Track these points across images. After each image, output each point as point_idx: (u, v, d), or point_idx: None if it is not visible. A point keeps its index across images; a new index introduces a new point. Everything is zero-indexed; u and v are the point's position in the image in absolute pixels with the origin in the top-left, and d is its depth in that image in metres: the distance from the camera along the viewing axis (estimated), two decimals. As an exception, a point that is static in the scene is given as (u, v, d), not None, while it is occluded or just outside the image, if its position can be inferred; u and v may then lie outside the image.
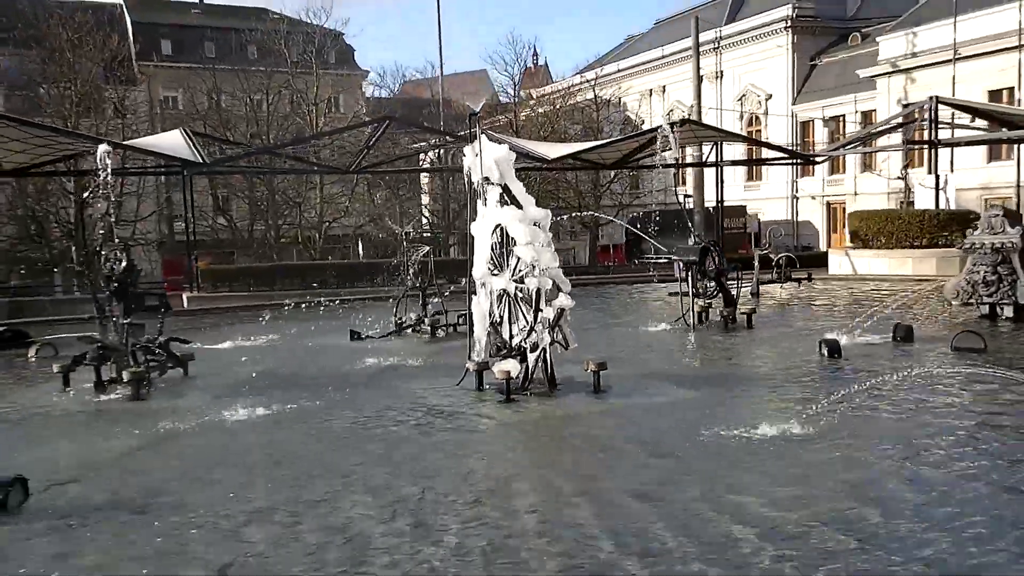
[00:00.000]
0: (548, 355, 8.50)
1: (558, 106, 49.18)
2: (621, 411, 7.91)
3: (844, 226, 47.39)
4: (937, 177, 22.02)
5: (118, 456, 7.02)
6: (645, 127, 45.92)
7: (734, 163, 30.84)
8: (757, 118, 51.66)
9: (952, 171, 27.94)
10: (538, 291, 8.27)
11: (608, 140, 25.97)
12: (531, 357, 8.54)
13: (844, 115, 46.33)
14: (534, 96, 53.82)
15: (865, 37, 46.66)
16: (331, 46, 50.26)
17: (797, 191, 49.68)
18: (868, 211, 25.68)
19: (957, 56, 38.15)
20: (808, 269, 21.38)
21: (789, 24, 48.57)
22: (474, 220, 9.05)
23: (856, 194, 45.96)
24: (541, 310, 8.27)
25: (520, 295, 8.54)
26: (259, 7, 63.11)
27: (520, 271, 8.52)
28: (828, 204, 48.42)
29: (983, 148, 36.82)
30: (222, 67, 48.99)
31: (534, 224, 8.53)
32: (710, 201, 33.19)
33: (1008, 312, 11.01)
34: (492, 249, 8.80)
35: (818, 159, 32.90)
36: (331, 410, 8.32)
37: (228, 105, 45.23)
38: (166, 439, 7.49)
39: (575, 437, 7.22)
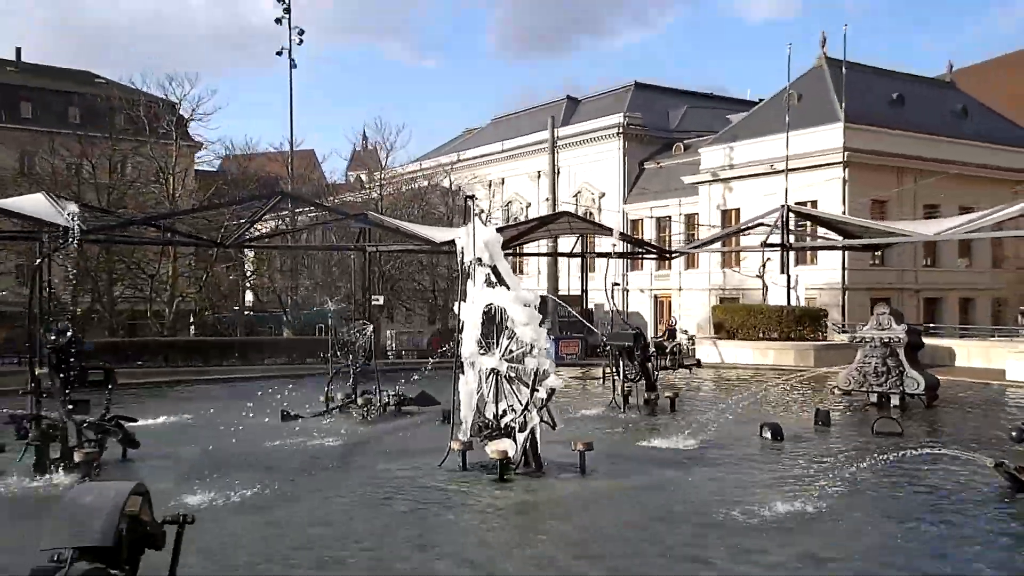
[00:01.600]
0: (537, 435, 8.78)
1: (404, 190, 49.87)
2: (626, 491, 8.22)
3: (669, 317, 51.12)
4: (788, 276, 24.63)
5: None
6: (491, 218, 47.68)
7: (620, 255, 32.67)
8: (591, 213, 54.88)
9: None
10: (536, 371, 8.60)
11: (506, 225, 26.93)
12: (520, 437, 8.77)
13: (670, 216, 50.39)
14: (375, 179, 54.14)
15: (687, 147, 51.40)
16: (165, 114, 48.45)
17: (627, 284, 52.85)
18: (733, 305, 27.99)
19: (767, 171, 42.98)
20: (694, 357, 22.71)
21: (621, 131, 52.67)
22: (463, 301, 9.31)
23: (680, 289, 49.69)
24: (537, 389, 8.59)
25: (512, 374, 8.82)
26: (84, 70, 59.84)
27: (511, 351, 8.82)
28: (655, 297, 51.89)
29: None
30: (37, 128, 46.09)
31: (525, 305, 8.91)
32: (562, 290, 34.86)
33: (895, 401, 12.58)
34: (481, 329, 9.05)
35: (674, 255, 35.54)
36: (321, 491, 8.08)
37: (45, 169, 42.28)
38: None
39: (606, 518, 7.36)
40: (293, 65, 43.49)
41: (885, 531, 6.58)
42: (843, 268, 40.30)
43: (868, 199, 41.20)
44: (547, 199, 41.92)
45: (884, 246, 32.15)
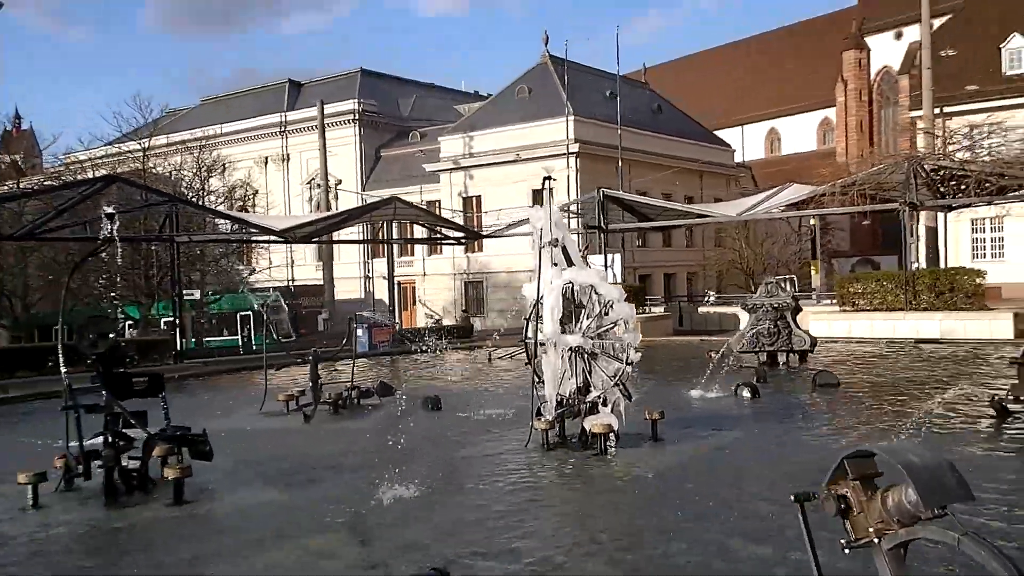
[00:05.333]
0: (622, 408, 9.36)
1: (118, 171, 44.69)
2: (718, 453, 9.10)
3: (414, 303, 52.12)
4: (606, 256, 26.81)
5: None
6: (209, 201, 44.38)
7: (416, 240, 32.65)
8: (328, 202, 53.85)
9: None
10: (627, 344, 9.20)
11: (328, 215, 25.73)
12: (603, 411, 9.32)
13: (412, 203, 51.26)
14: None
15: (424, 135, 52.57)
16: None
17: (370, 271, 52.82)
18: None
19: (508, 159, 45.76)
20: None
21: (357, 117, 52.30)
22: (531, 281, 9.57)
23: (425, 274, 50.93)
24: (631, 363, 9.21)
25: (598, 351, 9.30)
26: None
27: (597, 328, 9.31)
28: (399, 284, 52.48)
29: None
30: None
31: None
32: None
33: (782, 359, 14.88)
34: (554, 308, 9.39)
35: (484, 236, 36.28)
36: (452, 490, 7.87)
37: None
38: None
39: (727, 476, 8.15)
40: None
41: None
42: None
43: (595, 187, 45.63)
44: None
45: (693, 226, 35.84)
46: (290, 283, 52.15)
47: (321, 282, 49.83)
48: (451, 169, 48.45)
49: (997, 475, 7.47)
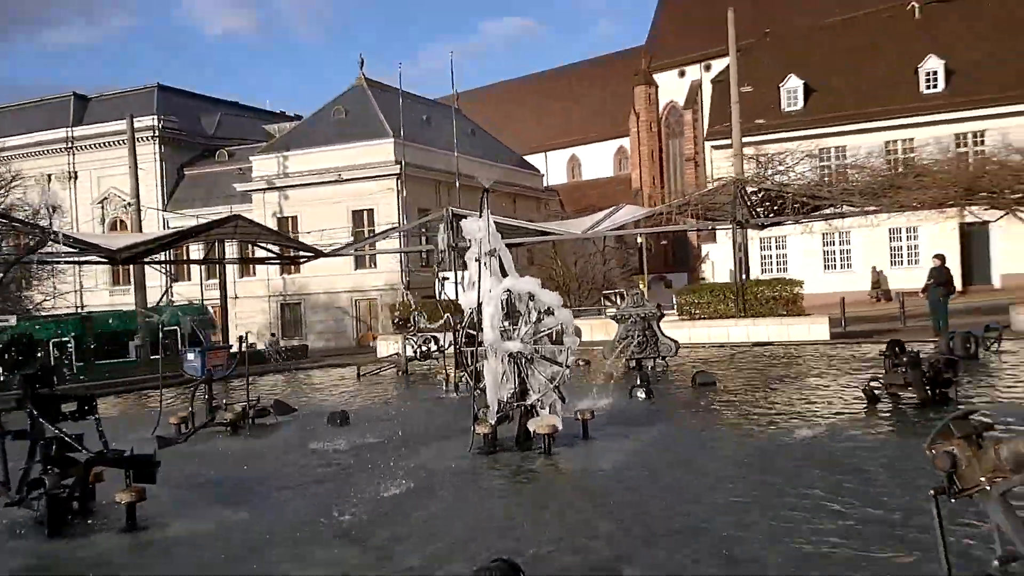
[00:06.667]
0: (559, 410, 9.68)
1: None
2: (656, 445, 9.62)
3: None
4: (456, 272, 26.77)
5: None
6: None
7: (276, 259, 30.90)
8: (122, 222, 50.03)
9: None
10: (565, 348, 9.55)
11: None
12: (543, 413, 9.62)
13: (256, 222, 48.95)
14: None
15: (232, 155, 50.35)
16: None
17: (172, 296, 49.50)
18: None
19: (327, 180, 45.00)
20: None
21: (156, 134, 49.13)
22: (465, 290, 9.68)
23: (236, 297, 48.50)
24: (568, 367, 9.56)
25: (533, 357, 9.58)
26: None
27: (532, 335, 9.60)
28: (210, 307, 49.68)
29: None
30: None
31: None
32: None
33: (649, 364, 15.79)
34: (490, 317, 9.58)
35: (339, 254, 34.85)
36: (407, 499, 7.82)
37: None
38: None
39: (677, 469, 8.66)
40: None
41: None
42: (401, 270, 44.43)
43: (417, 207, 45.87)
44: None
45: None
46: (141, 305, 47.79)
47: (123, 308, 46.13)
48: (265, 189, 46.75)
49: (884, 452, 8.55)
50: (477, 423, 9.56)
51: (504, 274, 9.92)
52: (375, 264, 45.84)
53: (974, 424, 4.19)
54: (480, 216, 9.89)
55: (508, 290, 9.66)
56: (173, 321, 25.23)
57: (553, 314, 9.59)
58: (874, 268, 41.75)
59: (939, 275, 20.59)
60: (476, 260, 9.77)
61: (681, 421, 11.10)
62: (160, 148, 49.40)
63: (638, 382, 13.51)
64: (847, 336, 21.65)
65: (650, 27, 77.09)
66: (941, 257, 21.44)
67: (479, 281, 9.65)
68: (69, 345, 26.59)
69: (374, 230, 44.06)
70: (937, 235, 39.56)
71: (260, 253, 33.43)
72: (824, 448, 8.73)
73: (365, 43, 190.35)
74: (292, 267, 45.96)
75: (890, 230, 39.80)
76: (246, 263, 35.91)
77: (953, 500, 4.16)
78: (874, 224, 26.59)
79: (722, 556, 5.55)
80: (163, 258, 36.68)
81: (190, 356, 25.17)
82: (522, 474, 8.61)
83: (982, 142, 38.60)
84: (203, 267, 47.28)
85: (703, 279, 48.08)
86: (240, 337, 16.07)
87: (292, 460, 9.78)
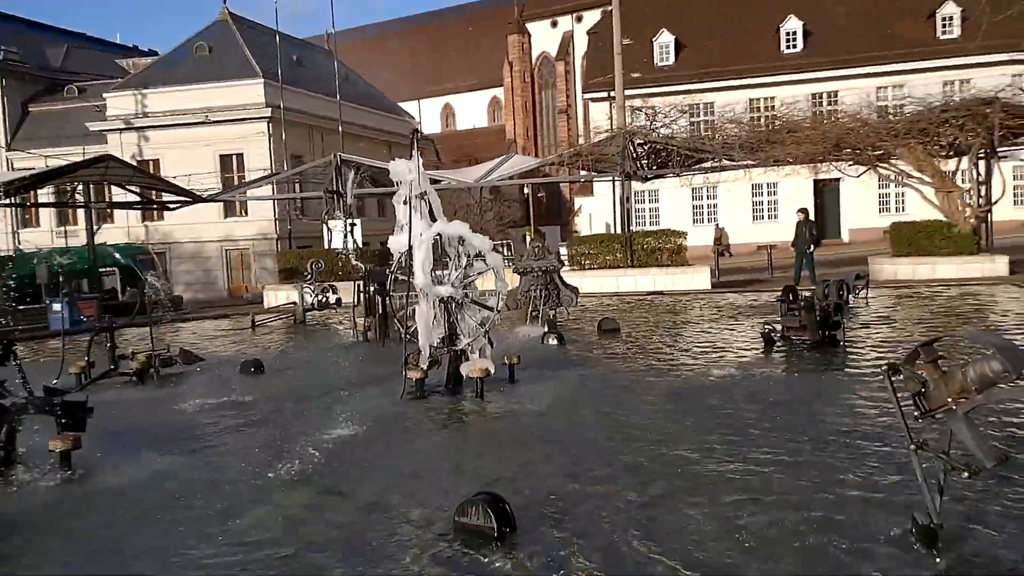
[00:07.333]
0: (488, 354, 9.79)
1: None
2: (580, 384, 9.94)
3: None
4: (348, 222, 25.85)
5: None
6: None
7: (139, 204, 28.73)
8: (-28, 163, 45.72)
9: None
10: (499, 296, 9.65)
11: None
12: (474, 357, 9.73)
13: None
14: None
15: (82, 91, 46.76)
16: None
17: (20, 243, 45.98)
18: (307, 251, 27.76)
19: (191, 121, 42.65)
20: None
21: (-3, 65, 44.93)
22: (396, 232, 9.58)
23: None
24: (499, 312, 9.67)
25: (465, 301, 9.64)
26: None
27: (466, 278, 9.65)
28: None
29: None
30: None
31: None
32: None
33: (550, 314, 16.05)
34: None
35: (217, 199, 32.86)
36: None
37: None
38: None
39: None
40: None
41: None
42: (275, 219, 43.03)
43: (289, 153, 44.27)
44: None
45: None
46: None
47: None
48: (122, 129, 43.79)
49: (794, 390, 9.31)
50: (408, 368, 9.56)
51: (433, 218, 9.89)
52: (246, 212, 44.12)
53: (936, 351, 4.65)
54: (410, 159, 9.76)
55: (439, 234, 9.64)
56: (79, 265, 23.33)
57: (483, 258, 9.66)
58: (717, 225, 43.92)
59: (806, 228, 22.02)
60: (405, 203, 9.65)
61: (598, 364, 11.46)
62: (2, 81, 45.18)
63: (547, 329, 13.84)
64: (722, 285, 22.87)
65: (524, -25, 76.86)
66: (804, 211, 22.92)
67: (409, 224, 9.57)
68: None
69: (244, 176, 42.30)
70: (793, 193, 42.17)
71: (119, 197, 31.56)
72: (741, 385, 9.32)
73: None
74: (156, 214, 43.53)
75: (753, 186, 41.92)
76: (116, 208, 33.58)
77: (920, 420, 4.61)
78: (747, 179, 27.94)
79: (689, 475, 5.91)
80: (9, 202, 33.92)
81: (55, 307, 23.47)
82: (460, 415, 8.72)
83: (836, 102, 41.13)
84: (55, 212, 44.15)
85: (576, 232, 49.11)
86: (139, 284, 15.19)
87: (215, 408, 9.47)
